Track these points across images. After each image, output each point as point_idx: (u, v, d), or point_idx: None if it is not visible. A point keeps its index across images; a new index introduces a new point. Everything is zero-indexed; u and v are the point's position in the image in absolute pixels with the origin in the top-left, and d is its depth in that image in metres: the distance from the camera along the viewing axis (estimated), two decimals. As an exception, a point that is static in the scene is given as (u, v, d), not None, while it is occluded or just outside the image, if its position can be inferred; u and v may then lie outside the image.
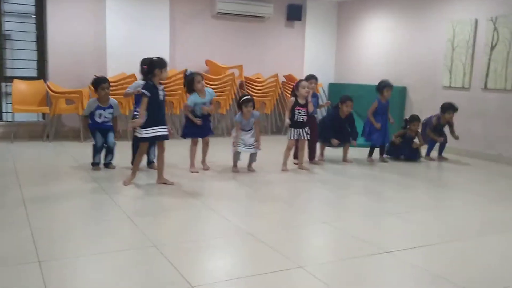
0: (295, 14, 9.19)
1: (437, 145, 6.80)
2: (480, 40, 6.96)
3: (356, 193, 4.99)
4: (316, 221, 3.89)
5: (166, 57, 4.84)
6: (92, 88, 5.59)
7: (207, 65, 8.59)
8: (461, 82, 7.19)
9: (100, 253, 3.00)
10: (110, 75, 7.50)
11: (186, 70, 5.59)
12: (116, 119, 5.58)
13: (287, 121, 5.62)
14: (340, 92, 9.23)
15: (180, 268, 2.80)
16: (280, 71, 9.05)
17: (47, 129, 7.42)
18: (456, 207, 4.51)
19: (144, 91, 4.45)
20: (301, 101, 5.63)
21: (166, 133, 4.65)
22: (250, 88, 8.58)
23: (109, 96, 5.48)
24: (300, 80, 5.75)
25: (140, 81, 5.32)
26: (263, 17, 8.93)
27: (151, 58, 4.58)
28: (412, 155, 6.63)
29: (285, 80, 9.12)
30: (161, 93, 4.59)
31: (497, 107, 6.77)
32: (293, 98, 5.66)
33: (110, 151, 5.50)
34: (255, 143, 5.49)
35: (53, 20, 7.47)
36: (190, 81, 5.31)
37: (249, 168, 5.62)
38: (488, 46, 6.82)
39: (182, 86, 7.77)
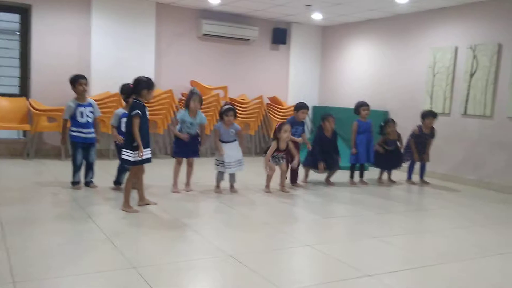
0: (280, 37, 9.32)
1: (418, 168, 6.87)
2: (460, 67, 7.13)
3: (339, 216, 5.00)
4: (298, 244, 3.87)
5: (151, 76, 4.80)
6: (70, 85, 5.36)
7: (192, 86, 8.61)
8: (442, 107, 7.33)
9: (77, 275, 2.93)
10: (94, 93, 7.46)
11: (193, 88, 5.66)
12: (97, 121, 5.47)
13: (268, 170, 5.57)
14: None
15: (160, 290, 2.75)
16: (265, 93, 9.12)
17: (28, 147, 7.31)
18: (438, 231, 4.54)
19: (137, 111, 4.32)
20: (282, 146, 5.56)
21: (151, 155, 4.57)
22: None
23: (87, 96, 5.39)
24: (283, 123, 5.62)
25: (120, 109, 5.29)
26: (248, 39, 9.03)
27: (138, 77, 4.47)
28: (396, 163, 6.74)
29: (269, 102, 9.19)
30: (147, 113, 4.56)
31: (477, 133, 6.91)
32: (274, 144, 5.55)
33: (90, 168, 5.43)
34: (238, 160, 5.47)
35: (37, 37, 7.44)
36: (188, 98, 5.39)
37: (231, 190, 5.60)
38: (468, 73, 6.99)
39: (167, 106, 7.82)
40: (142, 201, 4.72)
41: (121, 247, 3.47)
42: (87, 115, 5.32)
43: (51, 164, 6.84)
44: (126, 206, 4.50)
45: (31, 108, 7.11)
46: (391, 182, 6.80)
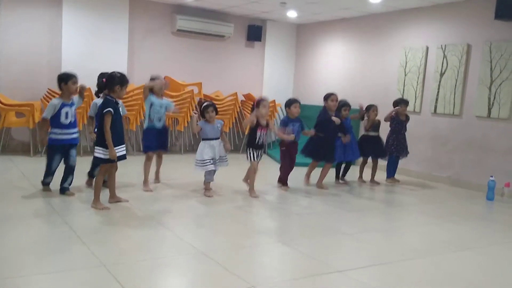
0: (255, 34, 9.32)
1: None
2: (431, 67, 7.28)
3: (311, 213, 5.03)
4: (270, 241, 3.88)
5: (124, 71, 4.69)
6: (61, 82, 4.76)
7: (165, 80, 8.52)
8: (413, 106, 7.46)
9: (47, 273, 2.88)
10: (65, 88, 7.30)
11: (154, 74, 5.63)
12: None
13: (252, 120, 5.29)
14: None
15: (130, 288, 2.72)
16: (239, 90, 9.10)
17: (-5, 143, 7.11)
18: (408, 228, 4.63)
19: (109, 109, 4.21)
20: (262, 122, 5.37)
21: (125, 152, 4.48)
22: (209, 106, 8.57)
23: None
24: (262, 98, 5.42)
25: (97, 99, 4.99)
26: (223, 36, 8.99)
27: (112, 73, 4.37)
28: (379, 154, 6.71)
29: (244, 99, 9.19)
30: (120, 109, 4.47)
31: (446, 131, 7.07)
32: (253, 116, 5.32)
33: (70, 172, 4.89)
34: (225, 156, 5.30)
35: (6, 30, 7.23)
36: (151, 81, 5.36)
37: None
38: (438, 72, 7.14)
39: (140, 102, 7.72)
40: (113, 199, 4.65)
41: (91, 245, 3.42)
42: (72, 115, 4.82)
43: (19, 161, 6.67)
44: (97, 203, 4.43)
45: (-1, 103, 6.91)
46: (375, 183, 6.72)
